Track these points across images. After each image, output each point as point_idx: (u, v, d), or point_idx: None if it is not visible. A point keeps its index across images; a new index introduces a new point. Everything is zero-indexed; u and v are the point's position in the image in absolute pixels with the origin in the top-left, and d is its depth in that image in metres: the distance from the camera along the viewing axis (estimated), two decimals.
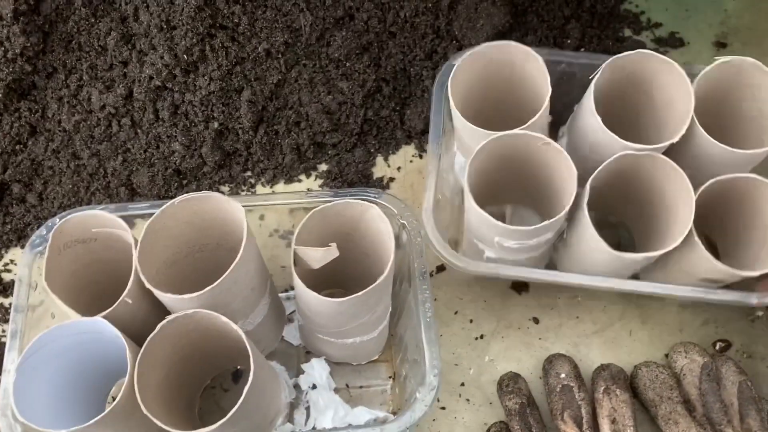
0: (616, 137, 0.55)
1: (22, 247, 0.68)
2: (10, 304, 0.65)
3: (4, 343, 0.63)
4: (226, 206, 0.51)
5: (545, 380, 0.60)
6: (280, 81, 0.70)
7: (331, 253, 0.51)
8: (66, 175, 0.70)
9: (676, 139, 0.55)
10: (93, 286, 0.56)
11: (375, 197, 0.56)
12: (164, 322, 0.46)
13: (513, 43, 0.59)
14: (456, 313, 0.65)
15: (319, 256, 0.50)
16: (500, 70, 0.60)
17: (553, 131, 0.65)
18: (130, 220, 0.57)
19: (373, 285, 0.47)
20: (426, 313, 0.52)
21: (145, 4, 0.68)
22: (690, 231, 0.54)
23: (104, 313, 0.48)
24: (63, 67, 0.70)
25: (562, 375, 0.59)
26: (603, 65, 0.57)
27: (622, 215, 0.66)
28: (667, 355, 0.62)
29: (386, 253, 0.51)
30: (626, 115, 0.62)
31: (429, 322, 0.52)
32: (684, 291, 0.57)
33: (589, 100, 0.56)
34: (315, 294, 0.49)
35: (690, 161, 0.56)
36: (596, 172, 0.55)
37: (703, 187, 0.55)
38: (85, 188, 0.69)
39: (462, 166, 0.64)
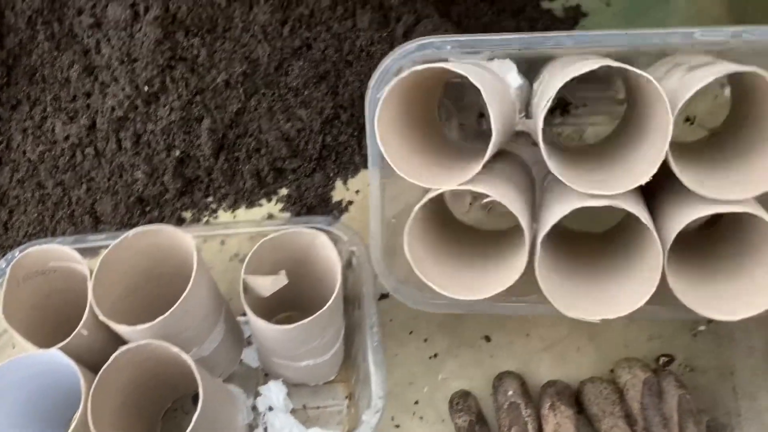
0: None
1: None
2: None
3: None
4: (178, 238, 0.53)
5: (494, 397, 0.62)
6: (240, 109, 0.73)
7: (280, 281, 0.53)
8: (31, 205, 0.71)
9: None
10: (54, 315, 0.57)
11: (326, 225, 0.59)
12: (117, 353, 0.48)
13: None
14: (411, 333, 0.67)
15: (268, 285, 0.53)
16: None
17: None
18: (94, 250, 0.60)
19: (318, 313, 0.50)
20: (373, 338, 0.54)
21: (106, 38, 0.70)
22: None
23: (60, 344, 0.50)
24: (27, 99, 0.72)
25: (510, 392, 0.61)
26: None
27: None
28: (612, 371, 0.64)
29: (335, 279, 0.53)
30: None
31: (376, 347, 0.54)
32: None
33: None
34: (264, 321, 0.51)
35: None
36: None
37: None
38: (50, 217, 0.71)
39: None
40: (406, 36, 0.75)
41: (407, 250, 0.52)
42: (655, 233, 0.50)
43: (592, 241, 0.62)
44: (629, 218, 0.53)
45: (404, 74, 0.49)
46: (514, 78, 0.54)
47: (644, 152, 0.50)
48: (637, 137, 0.54)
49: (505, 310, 0.59)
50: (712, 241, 0.59)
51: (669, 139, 0.47)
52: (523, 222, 0.50)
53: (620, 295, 0.54)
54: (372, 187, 0.58)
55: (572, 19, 0.84)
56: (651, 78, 0.47)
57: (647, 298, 0.52)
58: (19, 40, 0.70)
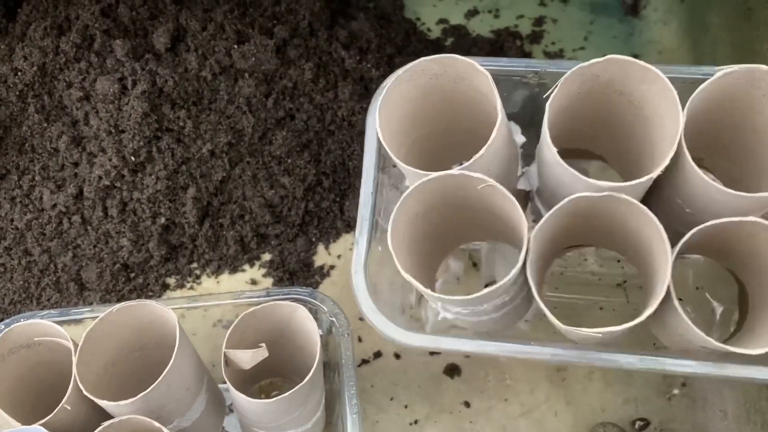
0: (577, 174, 0.46)
1: None
2: None
3: None
4: (161, 312, 0.54)
5: None
6: (225, 178, 0.75)
7: (261, 354, 0.54)
8: (17, 272, 0.72)
9: (654, 174, 0.45)
10: (38, 385, 0.58)
11: (306, 296, 0.60)
12: (99, 429, 0.49)
13: (455, 56, 0.50)
14: (392, 399, 0.68)
15: (248, 358, 0.54)
16: (442, 90, 0.52)
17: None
18: (77, 320, 0.61)
19: (298, 387, 0.51)
20: (352, 409, 0.55)
21: (94, 110, 0.72)
22: (668, 293, 0.45)
23: (43, 420, 0.50)
24: (16, 168, 0.73)
25: None
26: (561, 79, 0.48)
27: None
28: None
29: (315, 351, 0.54)
30: (607, 137, 0.53)
31: (355, 418, 0.55)
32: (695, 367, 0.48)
33: (544, 131, 0.48)
34: (243, 396, 0.52)
35: (687, 200, 0.47)
36: (544, 218, 0.47)
37: (685, 238, 0.45)
38: (36, 284, 0.72)
39: None
40: None
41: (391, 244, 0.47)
42: (661, 229, 0.45)
43: None
44: None
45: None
46: (519, 138, 0.56)
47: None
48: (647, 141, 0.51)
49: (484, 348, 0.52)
50: None
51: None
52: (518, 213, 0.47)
53: None
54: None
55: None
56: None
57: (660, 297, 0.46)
58: (10, 113, 0.72)
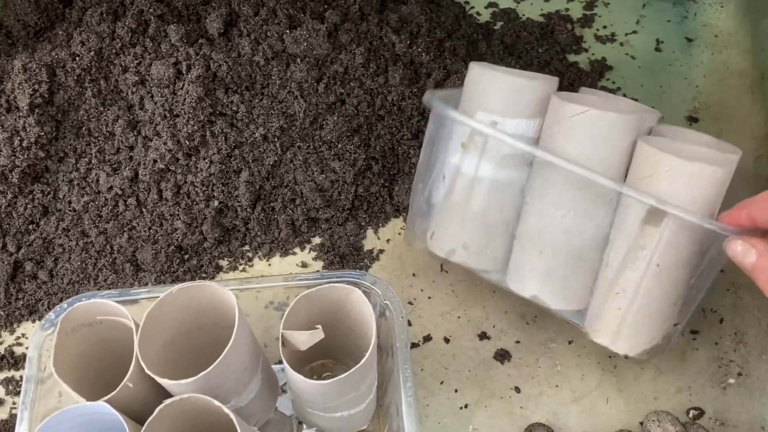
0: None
1: (33, 321, 0.73)
2: (21, 377, 0.70)
3: (15, 415, 0.67)
4: (221, 294, 0.55)
5: None
6: (276, 162, 0.75)
7: (317, 335, 0.55)
8: (75, 253, 0.74)
9: None
10: (98, 363, 0.60)
11: (359, 279, 0.60)
12: (162, 406, 0.50)
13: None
14: (442, 383, 0.68)
15: (305, 339, 0.54)
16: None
17: None
18: (134, 300, 0.62)
19: (354, 368, 0.51)
20: (407, 392, 0.56)
21: (150, 95, 0.74)
22: None
23: (107, 397, 0.52)
24: (74, 151, 0.75)
25: None
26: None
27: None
28: (642, 423, 0.65)
29: (369, 333, 0.55)
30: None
31: (410, 401, 0.55)
32: None
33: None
34: (300, 376, 0.53)
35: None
36: None
37: None
38: (93, 264, 0.74)
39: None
40: None
41: None
42: None
43: None
44: None
45: None
46: None
47: None
48: None
49: None
50: None
51: None
52: None
53: None
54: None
55: (598, 72, 0.86)
56: None
57: None
58: (68, 97, 0.74)
